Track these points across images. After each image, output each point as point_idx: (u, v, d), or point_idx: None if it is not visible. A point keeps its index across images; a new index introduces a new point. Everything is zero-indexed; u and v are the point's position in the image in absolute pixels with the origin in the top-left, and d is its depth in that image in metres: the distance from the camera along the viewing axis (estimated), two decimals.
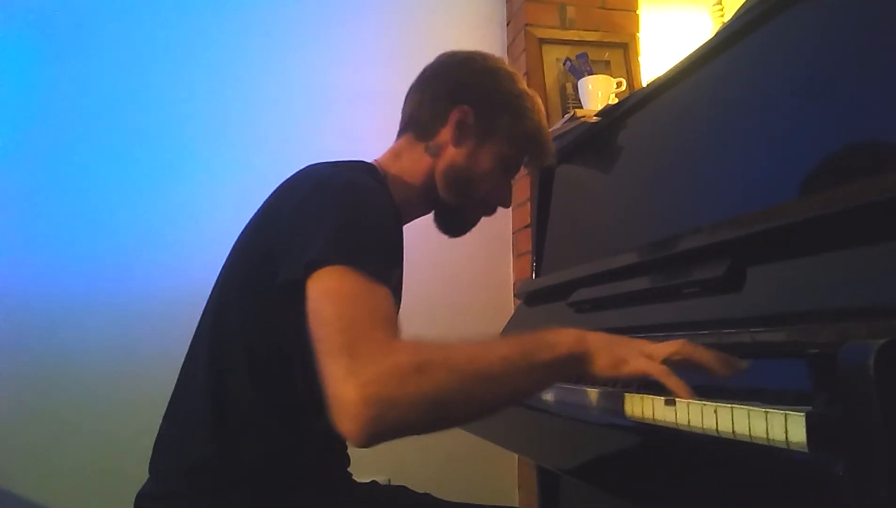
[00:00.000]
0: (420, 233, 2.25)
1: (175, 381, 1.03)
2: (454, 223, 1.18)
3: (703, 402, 0.67)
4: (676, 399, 0.72)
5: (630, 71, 2.24)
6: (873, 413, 0.49)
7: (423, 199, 1.13)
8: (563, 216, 1.67)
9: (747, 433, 0.60)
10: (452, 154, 1.10)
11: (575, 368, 0.83)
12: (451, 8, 2.44)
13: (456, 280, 2.30)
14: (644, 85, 1.86)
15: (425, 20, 2.40)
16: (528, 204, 2.15)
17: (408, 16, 2.39)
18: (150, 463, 1.01)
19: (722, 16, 2.18)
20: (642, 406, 0.78)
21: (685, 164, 1.18)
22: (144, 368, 2.03)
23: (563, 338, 0.82)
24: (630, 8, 2.34)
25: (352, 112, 2.28)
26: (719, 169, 1.08)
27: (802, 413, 0.55)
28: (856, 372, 0.50)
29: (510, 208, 2.33)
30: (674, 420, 0.71)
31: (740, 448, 0.61)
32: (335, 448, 1.05)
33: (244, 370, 0.95)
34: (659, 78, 1.31)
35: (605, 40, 2.27)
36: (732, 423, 0.62)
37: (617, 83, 2.05)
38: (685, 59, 1.22)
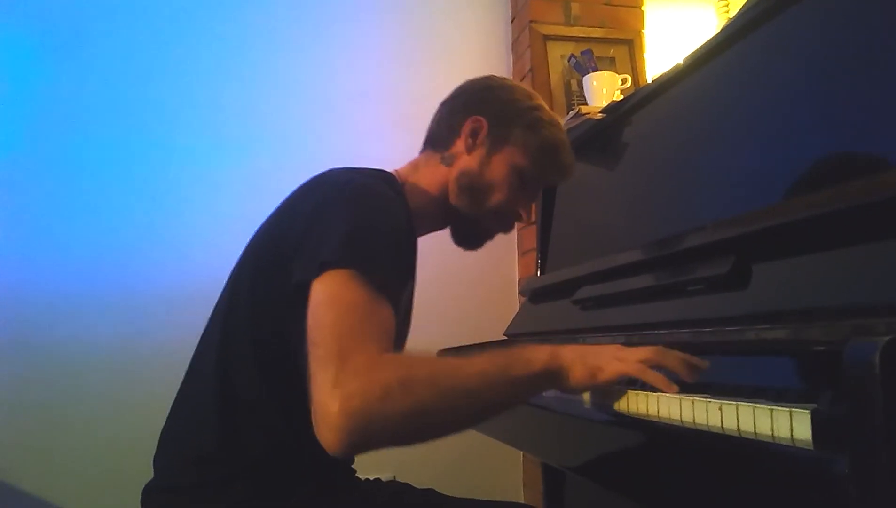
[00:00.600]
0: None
1: (177, 377, 1.04)
2: (469, 235, 1.19)
3: (708, 399, 0.67)
4: (673, 396, 0.72)
5: (635, 67, 2.23)
6: (878, 411, 0.48)
7: (439, 210, 1.15)
8: (568, 214, 1.66)
9: (752, 430, 0.60)
10: (465, 161, 1.12)
11: (550, 383, 0.86)
12: (455, 5, 2.44)
13: (461, 278, 2.30)
14: (649, 81, 1.86)
15: (429, 18, 2.40)
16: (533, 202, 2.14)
17: (412, 14, 2.39)
18: (154, 458, 1.02)
19: (727, 12, 2.17)
20: (647, 403, 0.78)
21: (690, 161, 1.18)
22: (146, 364, 2.04)
23: (538, 355, 0.85)
24: (635, 4, 2.33)
25: (354, 110, 2.28)
26: (724, 166, 1.08)
27: (808, 411, 0.54)
28: (861, 369, 0.50)
29: None
30: (678, 418, 0.71)
31: (745, 446, 0.61)
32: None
33: (252, 367, 0.96)
34: (664, 74, 1.31)
35: (610, 37, 2.27)
36: (737, 420, 0.62)
37: (622, 80, 2.05)
38: (690, 55, 1.22)
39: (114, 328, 2.07)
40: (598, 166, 1.57)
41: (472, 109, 1.12)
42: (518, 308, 1.99)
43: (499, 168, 1.12)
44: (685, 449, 0.72)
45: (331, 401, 0.74)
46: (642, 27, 2.32)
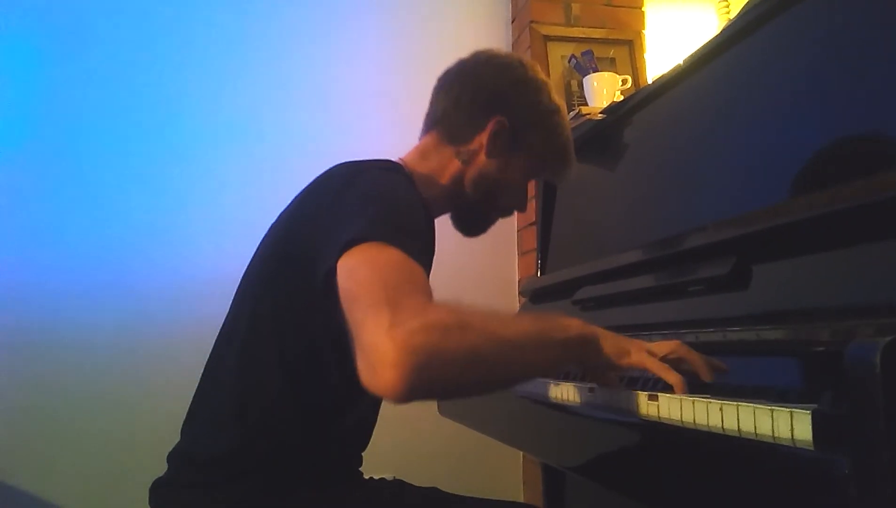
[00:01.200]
0: None
1: (178, 376, 1.04)
2: (474, 225, 1.20)
3: (709, 400, 0.67)
4: (673, 396, 0.72)
5: (635, 68, 2.23)
6: (879, 411, 0.48)
7: (447, 200, 1.14)
8: (569, 214, 1.66)
9: (753, 430, 0.60)
10: (484, 164, 1.10)
11: (584, 351, 0.85)
12: (455, 5, 2.44)
13: (461, 278, 2.30)
14: (649, 82, 1.86)
15: (430, 18, 2.40)
16: (534, 202, 2.14)
17: (412, 13, 2.39)
18: (168, 455, 1.02)
19: (727, 12, 2.17)
20: (647, 403, 0.78)
21: (690, 161, 1.18)
22: (147, 363, 2.04)
23: (574, 323, 0.86)
24: (635, 5, 2.33)
25: (354, 110, 2.28)
26: (725, 166, 1.08)
27: (808, 411, 0.54)
28: (862, 370, 0.50)
29: None
30: (679, 418, 0.71)
31: (746, 446, 0.61)
32: (352, 448, 1.07)
33: (276, 367, 0.96)
34: (664, 75, 1.31)
35: (611, 37, 2.26)
36: (738, 421, 0.62)
37: (622, 80, 2.05)
38: (690, 56, 1.22)
39: (115, 327, 2.07)
40: (599, 167, 1.57)
41: (496, 108, 1.09)
42: (518, 309, 1.99)
43: (516, 172, 1.12)
44: (686, 449, 0.72)
45: (391, 339, 0.71)
46: (643, 28, 2.32)
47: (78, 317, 2.05)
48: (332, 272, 0.84)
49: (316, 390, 0.97)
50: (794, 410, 0.56)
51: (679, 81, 1.27)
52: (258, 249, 1.06)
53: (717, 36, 1.16)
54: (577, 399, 0.97)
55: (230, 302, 1.06)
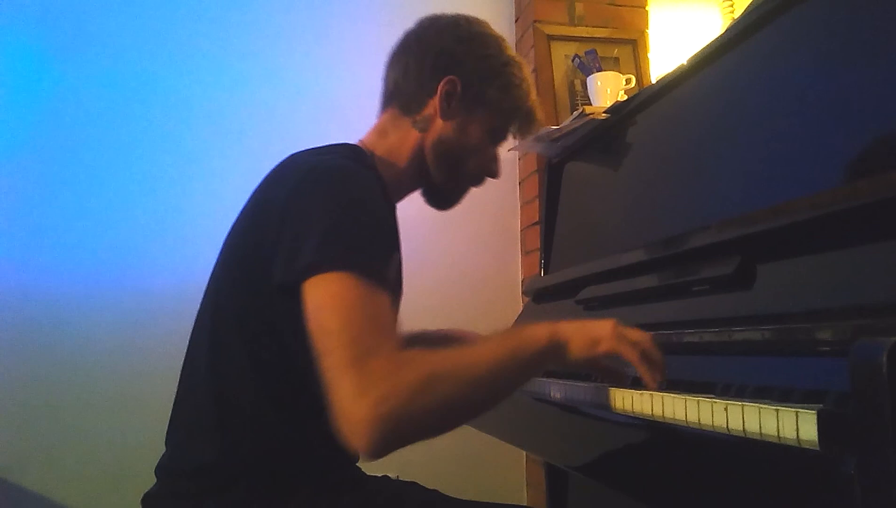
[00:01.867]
0: (429, 231, 2.26)
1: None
2: (444, 198, 1.15)
3: (714, 399, 0.67)
4: (678, 395, 0.72)
5: (639, 67, 2.23)
6: (885, 411, 0.48)
7: (413, 175, 1.10)
8: (572, 213, 1.66)
9: (758, 430, 0.60)
10: (441, 127, 1.06)
11: (554, 357, 0.87)
12: (458, 5, 2.43)
13: (465, 278, 2.31)
14: (653, 81, 1.86)
15: None
16: (537, 201, 2.14)
17: (415, 13, 2.38)
18: (156, 468, 1.00)
19: (731, 12, 2.16)
20: (651, 404, 0.77)
21: (694, 161, 1.18)
22: (149, 364, 2.04)
23: (540, 332, 0.87)
24: (639, 4, 2.33)
25: (357, 109, 2.26)
26: (729, 166, 1.07)
27: (814, 411, 0.54)
28: (868, 370, 0.50)
29: (518, 205, 2.36)
30: (683, 418, 0.71)
31: (750, 446, 0.61)
32: (340, 444, 1.05)
33: (246, 369, 0.94)
34: (668, 74, 1.30)
35: (614, 37, 2.26)
36: (743, 421, 0.62)
37: (626, 80, 2.04)
38: (694, 55, 1.22)
39: (117, 327, 2.07)
40: (602, 166, 1.57)
41: (445, 69, 1.05)
42: (522, 308, 1.99)
43: (475, 133, 1.08)
44: (690, 449, 0.72)
45: (357, 409, 0.74)
46: (646, 27, 2.31)
47: (81, 317, 2.06)
48: (292, 288, 0.84)
49: (293, 390, 0.94)
50: (799, 410, 0.56)
51: (683, 81, 1.26)
52: (221, 250, 1.03)
53: (720, 35, 1.16)
54: (582, 398, 0.97)
55: None
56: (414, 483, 1.11)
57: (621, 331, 0.86)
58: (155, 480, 1.00)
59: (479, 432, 1.48)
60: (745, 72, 1.10)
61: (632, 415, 0.81)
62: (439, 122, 1.06)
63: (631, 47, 2.27)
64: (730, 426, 0.63)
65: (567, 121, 1.71)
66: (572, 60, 2.17)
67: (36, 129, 2.12)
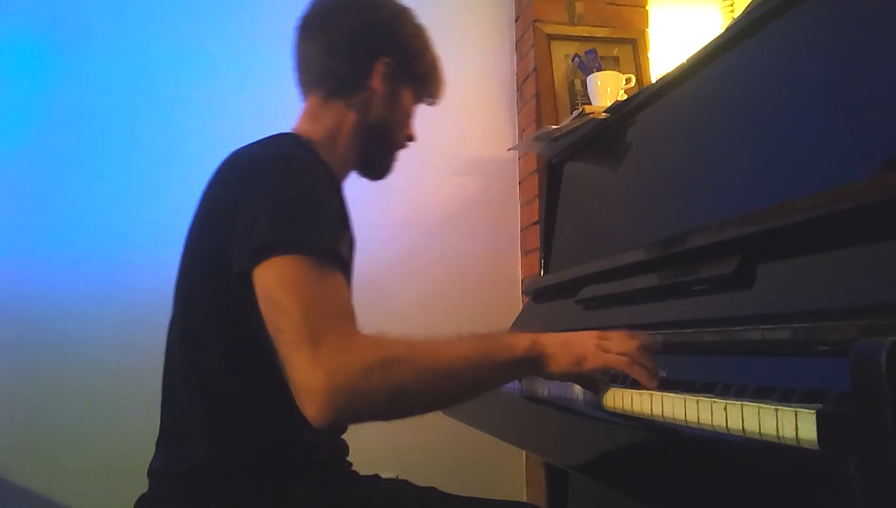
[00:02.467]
0: (429, 231, 2.26)
1: None
2: (378, 170, 1.18)
3: (713, 399, 0.67)
4: (678, 395, 0.72)
5: (639, 67, 2.23)
6: (885, 410, 0.48)
7: (352, 156, 1.12)
8: (572, 213, 1.66)
9: (757, 430, 0.60)
10: (380, 106, 1.10)
11: (531, 368, 0.89)
12: (459, 4, 2.44)
13: (464, 277, 2.31)
14: (653, 81, 1.86)
15: (433, 17, 2.38)
16: (537, 201, 2.14)
17: (416, 12, 2.39)
18: (148, 471, 1.00)
19: (732, 11, 2.16)
20: (651, 403, 0.77)
21: (694, 160, 1.18)
22: (149, 364, 2.02)
23: (520, 341, 0.88)
24: (639, 4, 2.32)
25: None
26: (729, 166, 1.07)
27: (813, 411, 0.54)
28: (868, 369, 0.50)
29: (518, 205, 2.36)
30: (683, 418, 0.71)
31: (750, 446, 0.61)
32: (328, 438, 1.05)
33: (221, 366, 0.95)
34: (668, 74, 1.30)
35: (614, 36, 2.26)
36: (742, 420, 0.62)
37: (626, 79, 2.04)
38: (694, 55, 1.22)
39: (117, 326, 2.07)
40: (602, 166, 1.57)
41: (377, 49, 1.08)
42: (521, 308, 1.99)
43: (406, 105, 1.13)
44: (690, 449, 0.72)
45: (313, 378, 0.77)
46: (646, 27, 2.31)
47: (81, 316, 2.06)
48: (247, 277, 0.86)
49: (271, 379, 0.93)
50: (798, 410, 0.56)
51: (683, 80, 1.26)
52: (182, 253, 1.04)
53: (721, 35, 1.16)
54: (581, 397, 0.97)
55: None
56: (405, 482, 1.11)
57: (605, 344, 0.88)
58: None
59: (479, 431, 1.48)
60: (745, 71, 1.10)
61: (631, 415, 0.81)
62: (378, 102, 1.10)
63: (631, 47, 2.26)
64: (729, 426, 0.63)
65: (567, 120, 1.71)
66: (572, 60, 2.17)
67: (36, 128, 2.11)
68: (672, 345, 0.93)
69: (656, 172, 1.30)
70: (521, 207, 2.37)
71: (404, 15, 1.14)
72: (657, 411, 0.76)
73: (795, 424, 0.55)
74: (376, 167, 1.17)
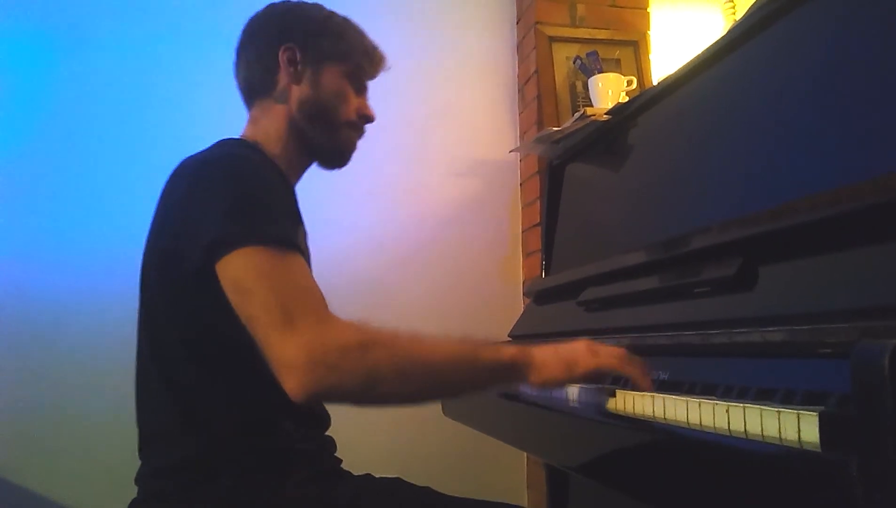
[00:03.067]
0: (430, 232, 2.26)
1: None
2: (333, 157, 1.18)
3: (715, 401, 0.67)
4: (679, 398, 0.72)
5: (641, 69, 2.23)
6: (887, 412, 0.48)
7: (298, 148, 1.13)
8: (573, 215, 1.66)
9: (759, 432, 0.60)
10: (298, 92, 1.11)
11: (516, 375, 0.90)
12: (460, 6, 2.44)
13: (465, 279, 2.30)
14: (655, 83, 1.86)
15: (435, 19, 2.40)
16: (538, 203, 2.14)
17: (417, 13, 2.39)
18: (135, 478, 1.01)
19: (734, 13, 2.16)
20: (653, 405, 0.77)
21: (696, 162, 1.18)
22: None
23: (509, 349, 0.90)
24: (641, 6, 2.33)
25: None
26: (730, 167, 1.07)
27: (815, 413, 0.54)
28: (869, 372, 0.50)
29: (519, 207, 2.36)
30: (685, 420, 0.71)
31: (752, 448, 0.61)
32: (310, 424, 1.06)
33: (187, 362, 0.97)
34: (670, 76, 1.31)
35: (616, 38, 2.26)
36: (744, 422, 0.62)
37: (627, 81, 2.05)
38: (696, 57, 1.22)
39: (117, 325, 2.06)
40: (604, 168, 1.57)
41: (277, 41, 1.12)
42: (522, 310, 1.99)
43: (330, 83, 1.13)
44: (691, 451, 0.72)
45: (292, 352, 0.79)
46: (648, 29, 2.31)
47: (81, 316, 2.05)
48: (205, 271, 0.87)
49: (238, 375, 0.96)
50: (800, 411, 0.56)
51: (684, 83, 1.26)
52: (142, 261, 1.05)
53: (722, 37, 1.16)
54: (583, 399, 0.97)
55: None
56: (400, 479, 1.11)
57: (595, 348, 0.90)
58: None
59: (479, 433, 1.48)
60: (747, 74, 1.10)
61: (633, 417, 0.81)
62: (294, 87, 1.12)
63: (632, 49, 2.27)
64: (731, 428, 0.63)
65: (568, 122, 1.72)
66: (574, 62, 2.17)
67: (37, 127, 2.11)
68: (673, 347, 0.93)
69: (658, 174, 1.30)
70: (522, 208, 2.37)
71: (300, 7, 1.17)
72: (659, 413, 0.76)
73: (798, 426, 0.55)
74: (327, 153, 1.17)
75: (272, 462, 0.96)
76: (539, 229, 1.99)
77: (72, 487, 1.99)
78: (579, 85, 2.19)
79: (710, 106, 1.18)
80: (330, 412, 1.12)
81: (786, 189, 0.93)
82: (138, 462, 1.01)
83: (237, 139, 1.12)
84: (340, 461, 1.10)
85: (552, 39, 2.23)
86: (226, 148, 1.04)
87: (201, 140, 2.29)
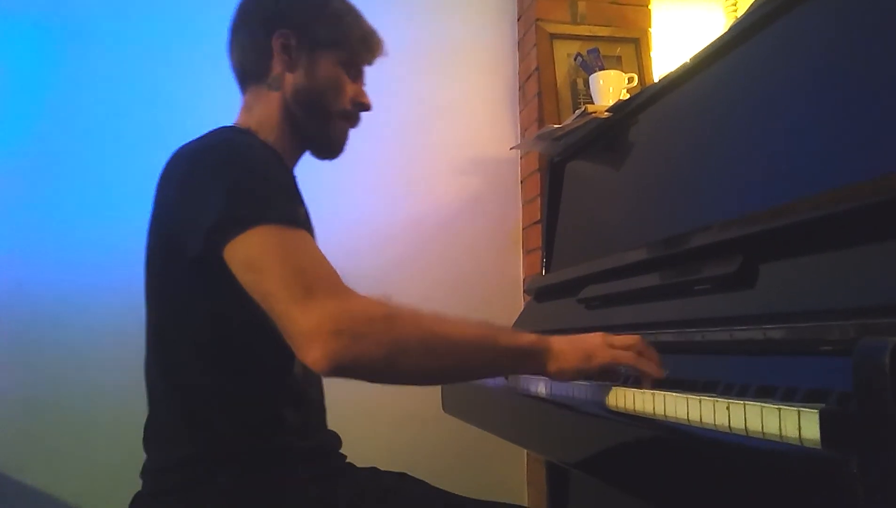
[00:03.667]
0: (430, 230, 2.26)
1: None
2: (326, 146, 1.16)
3: (716, 399, 0.67)
4: (680, 395, 0.72)
5: (642, 66, 2.23)
6: (888, 410, 0.48)
7: (292, 135, 1.12)
8: (574, 212, 1.66)
9: (760, 430, 0.60)
10: (292, 79, 1.10)
11: (534, 361, 0.90)
12: (461, 3, 2.44)
13: (466, 276, 2.31)
14: (656, 80, 1.85)
15: (436, 16, 2.40)
16: (539, 200, 2.14)
17: (418, 10, 2.39)
18: (140, 472, 1.01)
19: (735, 11, 2.16)
20: (654, 402, 0.77)
21: (697, 160, 1.18)
22: None
23: (528, 335, 0.90)
24: (642, 3, 2.32)
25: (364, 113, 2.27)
26: (731, 165, 1.07)
27: (816, 410, 0.54)
28: (871, 369, 0.50)
29: (519, 204, 2.36)
30: (685, 417, 0.71)
31: (753, 446, 0.61)
32: (310, 422, 1.05)
33: (189, 355, 0.96)
34: (671, 73, 1.30)
35: (617, 35, 2.26)
36: (745, 420, 0.62)
37: (628, 79, 2.04)
38: (697, 54, 1.21)
39: (118, 323, 2.07)
40: (605, 165, 1.57)
41: (271, 27, 1.09)
42: (523, 307, 1.99)
43: (325, 70, 1.11)
44: (692, 448, 0.72)
45: (316, 321, 0.77)
46: (649, 26, 2.31)
47: (82, 315, 2.05)
48: (205, 259, 0.87)
49: (239, 367, 0.96)
50: (801, 409, 0.56)
51: (685, 80, 1.26)
52: (145, 257, 1.05)
53: (724, 35, 1.16)
54: (584, 396, 0.97)
55: None
56: (404, 474, 1.11)
57: (611, 341, 0.90)
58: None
59: (480, 430, 1.48)
60: (748, 71, 1.10)
61: (634, 414, 0.81)
62: (288, 75, 1.10)
63: (633, 46, 2.26)
64: (732, 426, 0.63)
65: (569, 120, 1.71)
66: (574, 59, 2.17)
67: (36, 127, 2.11)
68: (674, 344, 0.93)
69: (659, 172, 1.30)
70: (522, 206, 2.37)
71: None
72: (660, 410, 0.76)
73: (798, 423, 0.55)
74: (320, 142, 1.15)
75: (273, 460, 0.96)
76: (539, 226, 1.99)
77: (73, 483, 2.00)
78: (580, 82, 2.19)
79: (711, 103, 1.18)
80: (329, 412, 1.12)
81: (787, 187, 0.93)
82: (139, 460, 1.01)
83: (231, 126, 1.11)
84: (345, 457, 1.10)
85: (553, 36, 2.23)
86: (222, 134, 1.03)
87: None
